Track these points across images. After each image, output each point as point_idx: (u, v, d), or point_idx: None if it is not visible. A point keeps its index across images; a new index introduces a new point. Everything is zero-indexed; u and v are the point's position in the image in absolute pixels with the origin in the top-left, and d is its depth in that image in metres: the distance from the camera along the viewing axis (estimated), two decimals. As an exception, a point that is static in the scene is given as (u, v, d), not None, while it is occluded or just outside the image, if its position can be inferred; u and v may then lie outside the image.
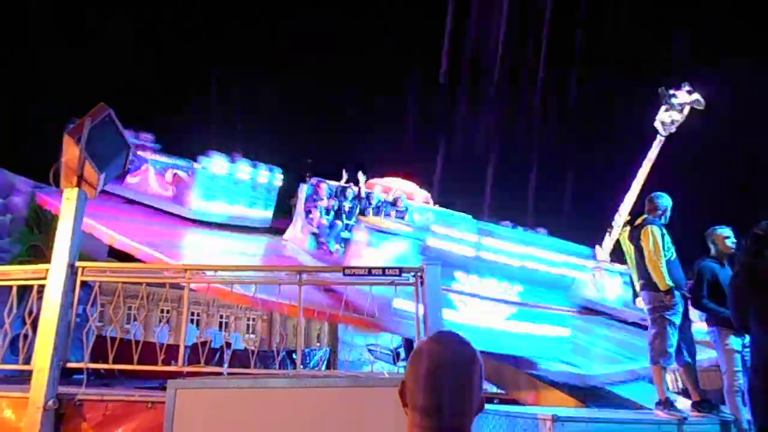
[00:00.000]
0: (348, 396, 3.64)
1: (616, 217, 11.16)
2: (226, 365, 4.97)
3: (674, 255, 5.29)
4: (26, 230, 9.53)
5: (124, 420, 4.23)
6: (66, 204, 4.63)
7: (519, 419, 4.26)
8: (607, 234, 9.90)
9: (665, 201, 5.51)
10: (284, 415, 3.56)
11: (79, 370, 4.72)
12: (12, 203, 9.33)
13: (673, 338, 4.99)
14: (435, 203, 12.99)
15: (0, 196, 9.16)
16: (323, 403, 3.58)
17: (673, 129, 11.61)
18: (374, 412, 3.43)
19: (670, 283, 5.02)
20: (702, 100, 11.26)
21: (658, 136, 11.70)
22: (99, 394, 4.41)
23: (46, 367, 4.17)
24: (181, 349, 4.59)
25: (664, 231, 5.32)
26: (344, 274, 4.94)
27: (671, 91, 11.33)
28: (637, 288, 5.54)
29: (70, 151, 4.68)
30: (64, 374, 4.41)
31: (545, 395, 6.91)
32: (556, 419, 4.06)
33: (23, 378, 4.74)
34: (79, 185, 4.66)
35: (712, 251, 5.52)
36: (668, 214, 5.51)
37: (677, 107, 11.24)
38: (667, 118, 11.47)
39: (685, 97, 11.28)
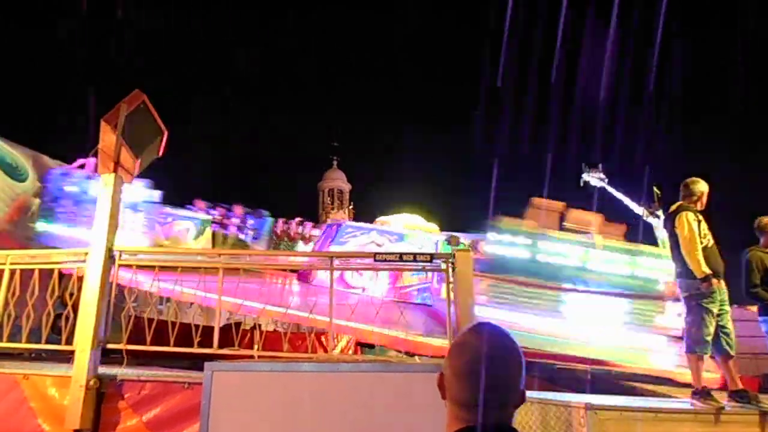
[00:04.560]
0: (380, 381, 3.65)
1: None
2: (257, 347, 5.04)
3: (711, 242, 5.16)
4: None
5: (161, 399, 4.35)
6: (104, 189, 4.73)
7: (551, 406, 4.22)
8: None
9: (701, 186, 5.37)
10: (316, 398, 3.60)
11: (114, 351, 4.85)
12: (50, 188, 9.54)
13: (711, 327, 4.89)
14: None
15: (39, 180, 9.39)
16: (355, 388, 3.60)
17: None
18: (406, 398, 3.44)
19: (707, 270, 4.91)
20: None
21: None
22: (137, 375, 4.52)
23: (87, 347, 4.29)
24: (216, 332, 4.67)
25: (700, 217, 5.20)
26: (375, 260, 4.95)
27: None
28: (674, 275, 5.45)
29: (107, 138, 4.77)
30: (102, 354, 4.53)
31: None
32: (589, 407, 4.01)
33: (62, 357, 4.87)
34: (115, 171, 4.75)
35: (761, 241, 5.46)
36: (704, 199, 5.38)
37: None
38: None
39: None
